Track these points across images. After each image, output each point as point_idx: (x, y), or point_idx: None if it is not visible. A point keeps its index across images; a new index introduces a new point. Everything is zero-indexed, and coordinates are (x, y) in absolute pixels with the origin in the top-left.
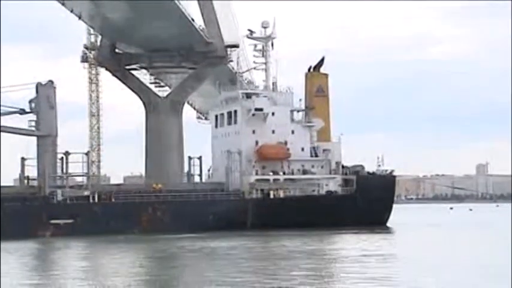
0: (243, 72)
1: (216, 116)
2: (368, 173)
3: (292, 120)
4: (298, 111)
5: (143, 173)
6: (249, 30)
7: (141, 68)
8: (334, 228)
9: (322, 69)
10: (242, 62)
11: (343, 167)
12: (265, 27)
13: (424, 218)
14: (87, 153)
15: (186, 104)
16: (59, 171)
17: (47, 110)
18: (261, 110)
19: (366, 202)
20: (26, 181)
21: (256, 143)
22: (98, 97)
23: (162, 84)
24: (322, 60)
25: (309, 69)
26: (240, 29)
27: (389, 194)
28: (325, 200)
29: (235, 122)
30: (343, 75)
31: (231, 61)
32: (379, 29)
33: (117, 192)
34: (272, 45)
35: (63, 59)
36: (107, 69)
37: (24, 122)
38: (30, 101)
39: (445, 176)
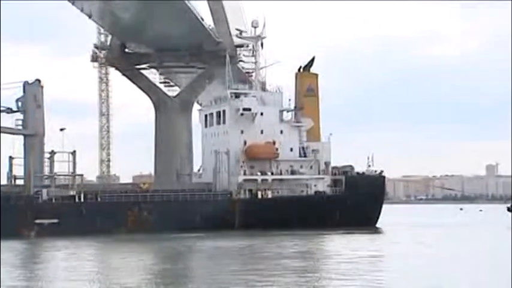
0: (253, 72)
1: (206, 116)
2: (357, 173)
3: (282, 120)
4: (287, 111)
5: (152, 173)
6: (237, 29)
7: (151, 67)
8: (322, 229)
9: (313, 70)
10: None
11: (333, 167)
12: (255, 27)
13: (425, 219)
14: (73, 153)
15: (195, 104)
16: (46, 170)
17: (34, 109)
18: (249, 109)
19: (354, 203)
20: (13, 180)
21: (245, 143)
22: (107, 96)
23: (171, 83)
24: (313, 60)
25: (299, 69)
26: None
27: (379, 195)
28: (314, 201)
29: (224, 122)
30: (347, 73)
31: (241, 60)
32: (384, 27)
33: (103, 191)
34: (262, 45)
35: (73, 58)
36: (116, 68)
37: (11, 121)
38: (17, 100)
39: (455, 177)
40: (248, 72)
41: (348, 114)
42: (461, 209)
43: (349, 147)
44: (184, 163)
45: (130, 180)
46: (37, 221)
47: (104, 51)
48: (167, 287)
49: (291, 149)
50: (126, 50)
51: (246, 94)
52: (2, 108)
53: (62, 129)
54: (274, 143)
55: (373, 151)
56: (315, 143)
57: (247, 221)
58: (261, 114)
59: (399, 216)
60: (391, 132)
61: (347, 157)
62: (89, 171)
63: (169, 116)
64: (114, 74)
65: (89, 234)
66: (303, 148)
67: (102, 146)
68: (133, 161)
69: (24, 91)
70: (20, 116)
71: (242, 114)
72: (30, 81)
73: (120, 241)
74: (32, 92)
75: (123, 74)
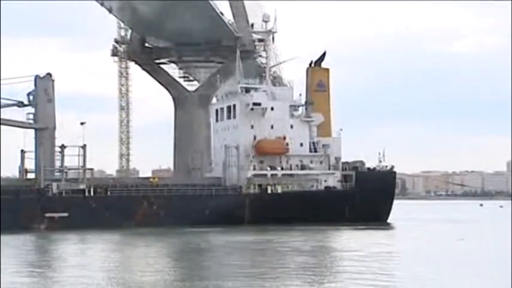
0: (272, 67)
1: (217, 110)
2: (368, 168)
3: (292, 115)
4: (298, 106)
5: (172, 167)
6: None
7: (170, 62)
8: (332, 224)
9: (324, 64)
10: (271, 57)
11: (343, 162)
12: (265, 21)
13: (439, 215)
14: (83, 147)
15: (214, 98)
16: (57, 164)
17: (44, 103)
18: (259, 104)
19: (364, 198)
20: (24, 173)
21: (255, 137)
22: (127, 91)
23: (190, 78)
24: (324, 55)
25: (310, 64)
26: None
27: (389, 190)
28: (323, 196)
29: (234, 117)
30: (363, 69)
31: (260, 55)
32: (399, 23)
33: (113, 186)
34: (273, 39)
35: (93, 52)
36: (136, 63)
37: (22, 114)
38: (29, 94)
39: (475, 173)
40: (266, 67)
41: (365, 109)
42: (481, 205)
43: (365, 143)
44: (197, 157)
45: (150, 174)
46: (47, 215)
47: (124, 46)
48: (202, 281)
49: (301, 144)
50: (146, 44)
51: (256, 89)
52: (13, 102)
53: (82, 123)
54: (284, 138)
55: (391, 147)
56: (326, 138)
57: (256, 216)
58: (271, 109)
59: (413, 212)
60: (410, 128)
61: (364, 153)
62: (109, 165)
63: (188, 111)
64: (134, 69)
65: (98, 228)
66: (313, 143)
67: (122, 140)
68: (153, 155)
69: (35, 85)
70: (31, 109)
71: (252, 109)
72: (41, 75)
73: (134, 235)
74: (43, 86)
75: (143, 69)
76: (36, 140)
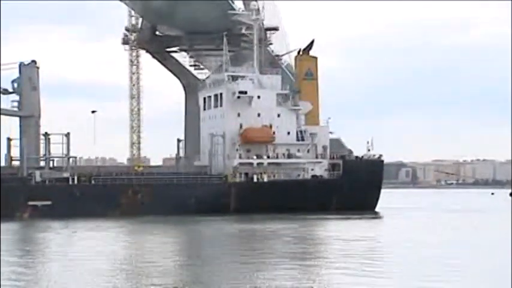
0: (283, 55)
1: (204, 99)
2: (356, 157)
3: (279, 103)
4: (285, 94)
5: (182, 155)
6: (236, 13)
7: (181, 50)
8: (319, 213)
9: (313, 53)
10: (282, 45)
11: (332, 151)
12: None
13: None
14: (67, 135)
15: None
16: (43, 152)
17: (29, 91)
18: (245, 93)
19: (352, 187)
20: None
21: (241, 126)
22: (138, 79)
23: (201, 66)
24: (312, 43)
25: (298, 53)
26: (281, 12)
27: (377, 179)
28: (310, 185)
29: (221, 105)
30: (373, 60)
31: (271, 44)
32: (410, 15)
33: (98, 174)
34: (263, 28)
35: (104, 41)
36: (147, 51)
37: (7, 102)
38: (13, 81)
39: (486, 161)
40: (278, 56)
41: (376, 99)
42: (492, 193)
43: (376, 133)
44: (187, 146)
45: (160, 163)
46: (30, 203)
47: (134, 34)
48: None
49: (288, 133)
50: (157, 32)
51: (243, 77)
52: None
53: (93, 112)
54: (270, 126)
55: (402, 136)
56: (313, 126)
57: (242, 204)
58: (258, 97)
59: (410, 201)
60: (422, 117)
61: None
62: (120, 153)
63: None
64: (145, 57)
65: (82, 216)
66: (301, 132)
67: (133, 129)
68: (164, 144)
69: (19, 72)
70: (15, 97)
71: (239, 97)
72: (26, 62)
73: (134, 224)
74: (28, 74)
75: (154, 57)
76: (20, 127)
